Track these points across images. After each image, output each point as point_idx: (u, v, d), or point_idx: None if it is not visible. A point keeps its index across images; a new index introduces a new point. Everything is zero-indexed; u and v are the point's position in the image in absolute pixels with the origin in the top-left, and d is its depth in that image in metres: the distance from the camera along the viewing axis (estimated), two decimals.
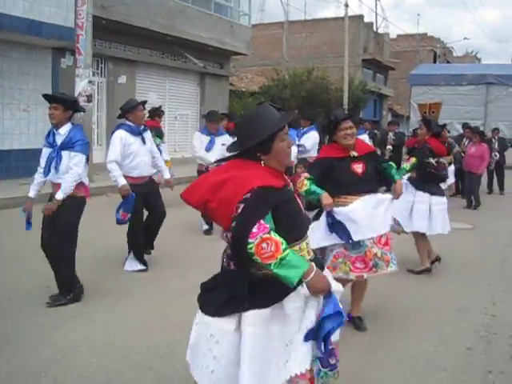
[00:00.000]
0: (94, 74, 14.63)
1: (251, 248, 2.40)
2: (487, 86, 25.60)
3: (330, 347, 2.61)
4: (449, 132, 13.12)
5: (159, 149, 7.62)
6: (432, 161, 6.73)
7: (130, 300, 5.58)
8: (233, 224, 2.48)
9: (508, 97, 25.06)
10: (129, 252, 6.58)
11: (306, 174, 4.71)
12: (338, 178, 4.65)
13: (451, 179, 10.66)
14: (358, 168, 4.67)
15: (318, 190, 4.56)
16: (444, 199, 6.93)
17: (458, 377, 4.09)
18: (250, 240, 2.40)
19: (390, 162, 5.13)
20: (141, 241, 6.58)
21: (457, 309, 5.57)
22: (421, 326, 5.07)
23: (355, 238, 4.54)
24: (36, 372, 3.91)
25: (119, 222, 6.15)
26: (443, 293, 6.10)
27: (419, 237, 6.92)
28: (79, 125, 5.63)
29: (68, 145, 5.10)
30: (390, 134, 16.34)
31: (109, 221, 7.02)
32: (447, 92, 26.12)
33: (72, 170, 5.07)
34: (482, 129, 19.37)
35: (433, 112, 12.37)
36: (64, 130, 5.17)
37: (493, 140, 15.50)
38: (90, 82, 12.83)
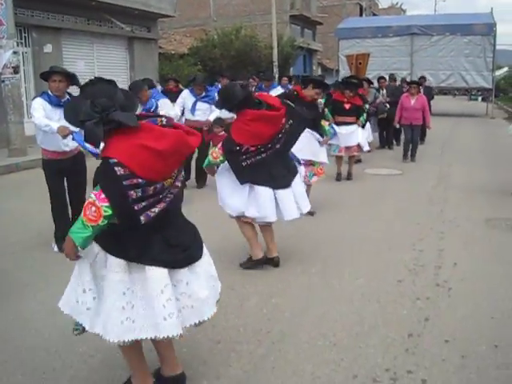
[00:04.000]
0: (18, 45, 14.19)
1: None
2: (412, 37, 26.33)
3: None
4: (372, 84, 13.53)
5: None
6: None
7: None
8: None
9: (431, 46, 25.87)
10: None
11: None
12: None
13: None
14: None
15: None
16: None
17: (390, 305, 4.48)
18: None
19: None
20: (61, 221, 5.98)
21: (388, 247, 6.00)
22: (356, 266, 5.45)
23: None
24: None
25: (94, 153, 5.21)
26: (374, 234, 6.53)
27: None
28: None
29: None
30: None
31: None
32: (374, 44, 26.69)
33: None
34: (408, 79, 20.07)
35: (360, 63, 12.60)
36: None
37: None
38: (14, 52, 12.48)
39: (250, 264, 5.34)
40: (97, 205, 2.70)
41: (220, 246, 5.70)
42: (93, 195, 2.73)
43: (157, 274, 2.89)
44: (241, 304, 4.54)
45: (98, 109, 2.73)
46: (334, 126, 9.00)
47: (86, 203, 2.74)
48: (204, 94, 9.01)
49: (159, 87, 10.66)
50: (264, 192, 5.04)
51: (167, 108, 7.78)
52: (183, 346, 3.79)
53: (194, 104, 9.01)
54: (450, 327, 4.08)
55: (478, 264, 5.48)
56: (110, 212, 2.71)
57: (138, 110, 7.76)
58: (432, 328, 4.08)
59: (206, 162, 5.04)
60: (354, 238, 6.41)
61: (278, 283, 4.98)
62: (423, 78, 16.58)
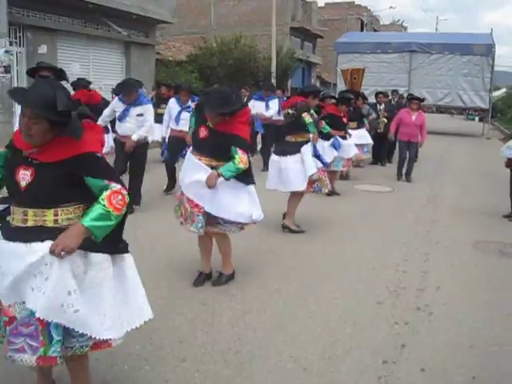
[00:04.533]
0: (11, 44, 14.02)
1: None
2: (411, 54, 26.27)
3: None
4: (366, 99, 13.35)
5: None
6: None
7: None
8: None
9: (430, 64, 25.81)
10: None
11: None
12: None
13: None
14: None
15: None
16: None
17: (367, 329, 4.30)
18: None
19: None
20: None
21: (371, 267, 5.81)
22: (335, 285, 5.26)
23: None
24: None
25: None
26: (360, 253, 6.33)
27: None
28: None
29: None
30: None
31: None
32: (373, 60, 26.65)
33: None
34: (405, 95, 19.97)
35: (354, 78, 12.45)
36: None
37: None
38: (7, 51, 12.34)
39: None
40: (123, 193, 2.70)
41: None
42: (114, 184, 2.70)
43: (131, 261, 2.98)
44: (212, 320, 4.36)
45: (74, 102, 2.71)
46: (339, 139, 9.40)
47: (108, 193, 2.66)
48: (189, 103, 8.80)
49: (144, 90, 10.49)
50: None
51: (150, 116, 7.63)
52: (146, 363, 3.61)
53: (179, 113, 8.81)
54: (427, 355, 3.90)
55: (462, 289, 5.30)
56: (129, 200, 2.74)
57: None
58: (408, 355, 3.90)
59: (235, 171, 4.59)
60: (336, 256, 6.21)
61: (253, 300, 4.79)
62: (396, 92, 16.43)
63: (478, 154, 18.10)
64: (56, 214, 2.70)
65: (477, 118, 35.24)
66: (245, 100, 12.48)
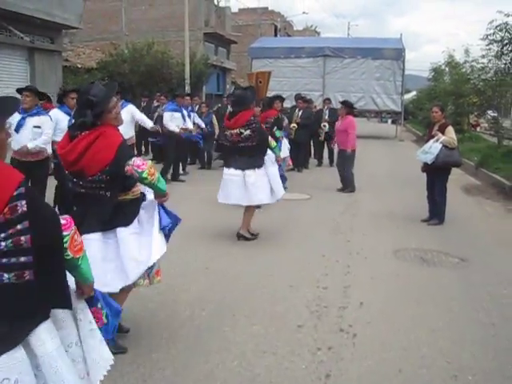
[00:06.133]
0: None
1: None
2: (324, 59, 26.50)
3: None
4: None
5: None
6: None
7: None
8: None
9: (343, 68, 26.13)
10: None
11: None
12: None
13: (285, 152, 10.47)
14: None
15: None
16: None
17: (288, 358, 3.92)
18: None
19: None
20: None
21: (289, 285, 5.44)
22: (252, 308, 4.84)
23: None
24: None
25: None
26: (276, 269, 5.95)
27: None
28: None
29: None
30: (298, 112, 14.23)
31: None
32: (287, 64, 26.71)
33: None
34: (320, 100, 20.00)
35: (260, 82, 12.10)
36: None
37: (324, 110, 15.32)
38: None
39: None
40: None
41: None
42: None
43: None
44: (115, 361, 3.83)
45: None
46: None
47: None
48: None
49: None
50: None
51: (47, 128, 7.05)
52: None
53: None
54: None
55: (386, 303, 5.03)
56: None
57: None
58: None
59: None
60: (252, 274, 5.78)
61: (161, 332, 4.30)
62: (328, 100, 16.29)
63: (392, 157, 18.33)
64: None
65: (389, 121, 36.14)
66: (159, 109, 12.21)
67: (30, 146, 6.88)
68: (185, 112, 11.49)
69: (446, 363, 3.89)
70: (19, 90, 7.06)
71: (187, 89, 23.01)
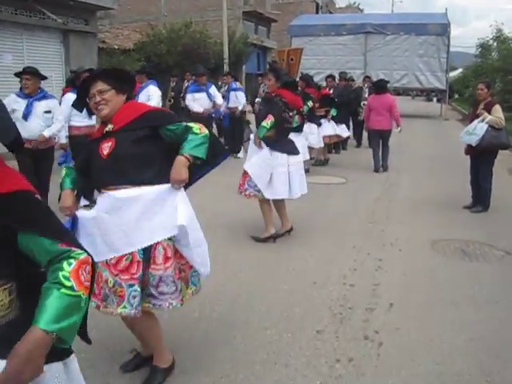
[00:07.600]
0: None
1: None
2: (366, 36, 25.57)
3: None
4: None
5: None
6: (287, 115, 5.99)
7: None
8: None
9: (385, 45, 25.15)
10: None
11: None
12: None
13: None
14: (105, 149, 3.06)
15: (67, 183, 3.19)
16: (299, 157, 6.23)
17: (300, 372, 3.44)
18: None
19: (184, 123, 3.16)
20: None
21: (313, 281, 4.94)
22: (267, 310, 4.36)
23: (96, 258, 2.57)
24: None
25: None
26: (301, 262, 5.46)
27: (278, 202, 6.24)
28: None
29: None
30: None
31: None
32: (328, 42, 25.93)
33: None
34: (361, 78, 19.19)
35: (292, 59, 11.46)
36: None
37: (363, 88, 14.63)
38: None
39: None
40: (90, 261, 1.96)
41: None
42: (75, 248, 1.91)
43: None
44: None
45: None
46: None
47: (73, 267, 1.68)
48: None
49: None
50: None
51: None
52: None
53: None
54: None
55: (418, 306, 4.47)
56: None
57: None
58: None
59: None
60: (272, 268, 5.32)
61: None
62: (368, 78, 15.50)
63: (435, 137, 17.47)
64: None
65: (435, 99, 34.89)
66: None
67: (47, 133, 6.51)
68: (211, 89, 10.99)
69: (486, 383, 3.34)
70: (18, 74, 6.56)
71: (225, 68, 22.53)
